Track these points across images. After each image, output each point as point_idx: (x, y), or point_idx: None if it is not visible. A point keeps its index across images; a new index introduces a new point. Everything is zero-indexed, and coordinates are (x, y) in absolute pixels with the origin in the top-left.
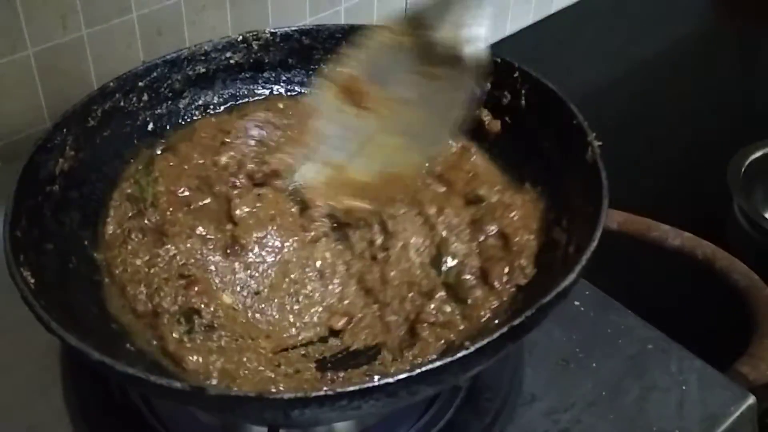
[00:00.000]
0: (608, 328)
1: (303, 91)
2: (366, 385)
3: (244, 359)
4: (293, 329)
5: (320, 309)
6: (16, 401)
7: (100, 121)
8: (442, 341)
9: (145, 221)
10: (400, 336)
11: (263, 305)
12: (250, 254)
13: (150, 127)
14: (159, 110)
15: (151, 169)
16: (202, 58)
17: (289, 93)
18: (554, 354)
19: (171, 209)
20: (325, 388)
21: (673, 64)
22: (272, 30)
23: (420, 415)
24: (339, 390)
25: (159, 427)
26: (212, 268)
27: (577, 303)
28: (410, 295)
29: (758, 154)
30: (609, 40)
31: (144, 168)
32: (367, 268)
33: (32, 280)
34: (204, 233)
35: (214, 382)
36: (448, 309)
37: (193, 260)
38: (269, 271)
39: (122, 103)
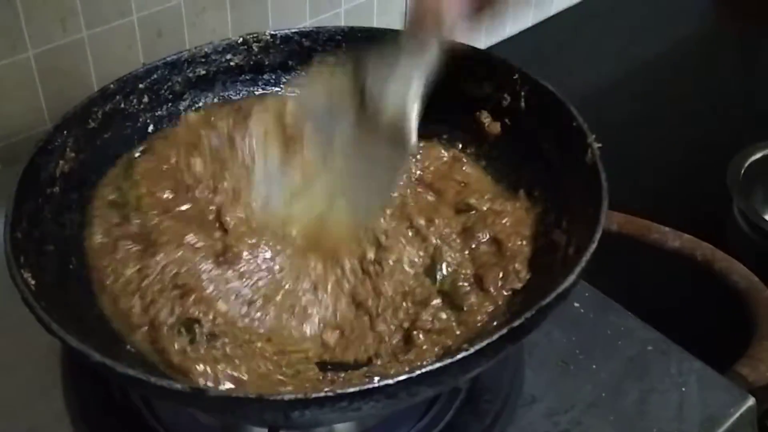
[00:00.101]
0: (608, 329)
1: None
2: (366, 387)
3: (253, 365)
4: (290, 339)
5: (316, 320)
6: (17, 402)
7: (101, 122)
8: (438, 347)
9: (132, 228)
10: (393, 344)
11: (259, 314)
12: (243, 262)
13: (150, 128)
14: (159, 112)
15: (131, 172)
16: (203, 60)
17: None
18: (554, 355)
19: (155, 213)
20: (325, 390)
21: (673, 65)
22: (272, 32)
23: (420, 416)
24: (339, 391)
25: (159, 429)
26: (204, 276)
27: (576, 304)
28: (404, 304)
29: (758, 155)
30: (609, 42)
31: (123, 171)
32: (359, 282)
33: (33, 282)
34: (194, 242)
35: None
36: (444, 316)
37: (185, 269)
38: (263, 280)
39: (122, 105)
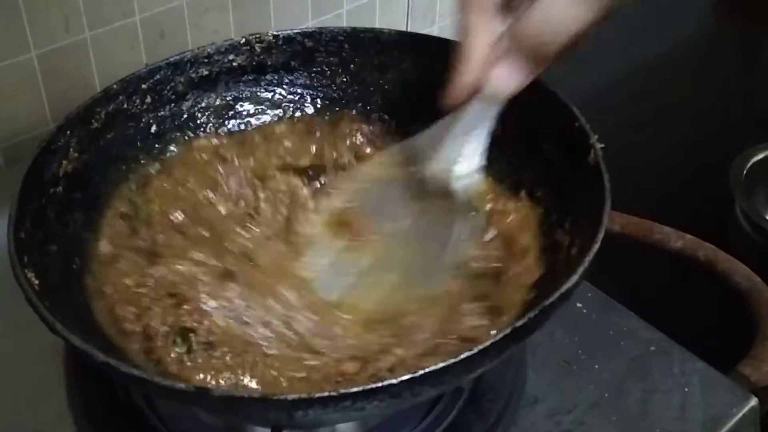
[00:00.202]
0: (610, 329)
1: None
2: (369, 386)
3: (257, 372)
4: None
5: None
6: (20, 402)
7: (104, 123)
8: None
9: (139, 241)
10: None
11: (258, 340)
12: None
13: (153, 129)
14: (162, 112)
15: (146, 190)
16: (205, 60)
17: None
18: (557, 356)
19: (165, 232)
20: (328, 389)
21: (675, 66)
22: (275, 32)
23: (423, 416)
24: (342, 391)
25: (163, 429)
26: (202, 288)
27: (579, 305)
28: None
29: (760, 156)
30: (610, 42)
31: (139, 188)
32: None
33: (36, 282)
34: (200, 258)
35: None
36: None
37: (183, 280)
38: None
39: (125, 106)
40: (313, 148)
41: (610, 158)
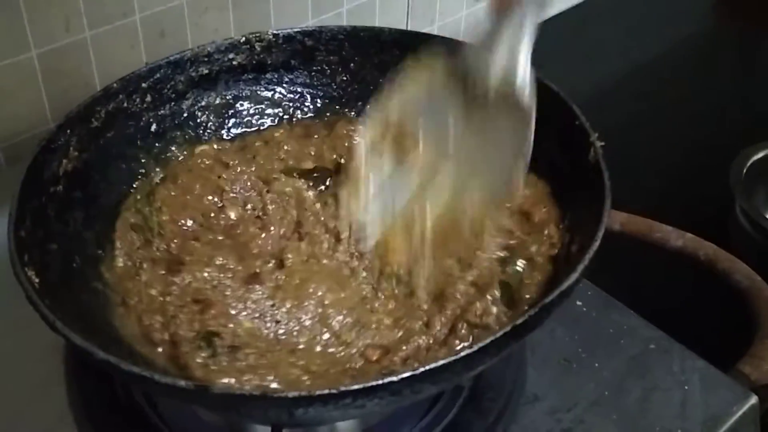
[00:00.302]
0: (610, 328)
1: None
2: (370, 384)
3: (280, 372)
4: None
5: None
6: (21, 401)
7: (104, 122)
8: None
9: (156, 251)
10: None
11: (285, 336)
12: (272, 285)
13: (153, 128)
14: (162, 111)
15: (152, 199)
16: (205, 59)
17: (286, 108)
18: (557, 354)
19: (178, 240)
20: (328, 387)
21: (675, 65)
22: (275, 31)
23: (423, 414)
24: (343, 388)
25: (163, 428)
26: (228, 293)
27: (579, 303)
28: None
29: (760, 155)
30: (610, 42)
31: (145, 197)
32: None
33: (36, 280)
34: (224, 263)
35: None
36: (495, 310)
37: (208, 286)
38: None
39: (125, 104)
40: (312, 151)
41: (610, 157)
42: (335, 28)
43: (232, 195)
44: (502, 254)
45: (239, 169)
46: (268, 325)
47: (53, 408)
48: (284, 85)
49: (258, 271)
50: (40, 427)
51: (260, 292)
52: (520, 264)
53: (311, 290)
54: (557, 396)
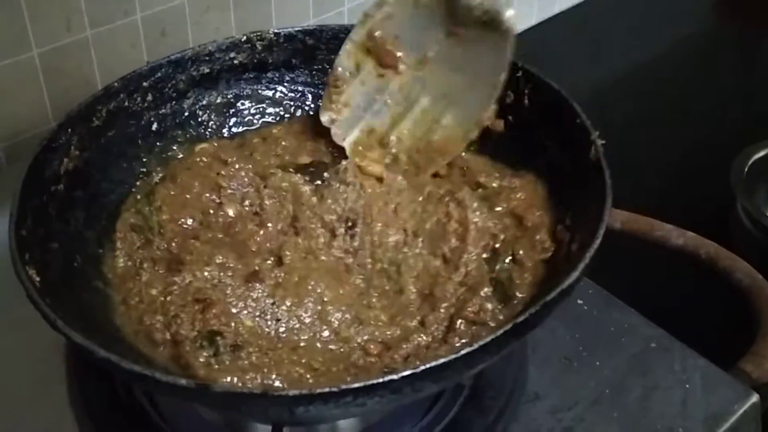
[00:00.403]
0: (611, 326)
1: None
2: (370, 382)
3: (283, 371)
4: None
5: (358, 339)
6: (22, 400)
7: (105, 121)
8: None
9: (156, 250)
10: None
11: (286, 334)
12: (272, 283)
13: (154, 127)
14: (163, 110)
15: (152, 199)
16: (206, 58)
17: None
18: (558, 352)
19: (178, 239)
20: (329, 385)
21: (675, 64)
22: (276, 30)
23: (424, 412)
24: (343, 387)
25: (164, 426)
26: (229, 291)
27: (580, 301)
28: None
29: (761, 153)
30: (611, 41)
31: (144, 197)
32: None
33: (37, 279)
34: (223, 261)
35: None
36: (489, 306)
37: (209, 285)
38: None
39: (126, 103)
40: (309, 146)
41: (611, 156)
42: (336, 27)
43: (230, 192)
44: (487, 255)
45: (237, 165)
46: (269, 323)
47: (54, 406)
48: (285, 83)
49: (257, 269)
50: (41, 426)
51: (260, 291)
52: (508, 262)
53: (310, 287)
54: (558, 394)
